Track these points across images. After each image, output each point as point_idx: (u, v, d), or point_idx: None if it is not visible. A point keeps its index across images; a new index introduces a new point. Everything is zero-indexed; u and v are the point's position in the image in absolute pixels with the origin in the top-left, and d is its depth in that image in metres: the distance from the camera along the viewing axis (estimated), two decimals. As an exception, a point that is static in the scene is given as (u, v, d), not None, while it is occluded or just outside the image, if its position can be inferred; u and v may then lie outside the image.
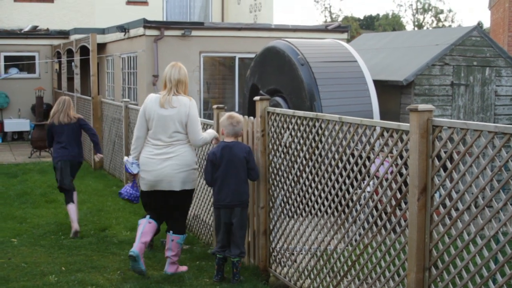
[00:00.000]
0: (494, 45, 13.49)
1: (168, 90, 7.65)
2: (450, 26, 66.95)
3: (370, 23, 73.80)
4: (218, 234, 7.54)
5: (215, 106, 8.96)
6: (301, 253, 6.91)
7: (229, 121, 7.53)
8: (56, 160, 10.24)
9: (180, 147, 7.58)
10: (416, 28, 68.77)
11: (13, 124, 24.16)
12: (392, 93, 13.00)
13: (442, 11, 72.13)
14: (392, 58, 14.07)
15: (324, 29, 19.74)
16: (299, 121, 6.76)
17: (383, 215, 5.47)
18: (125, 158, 7.97)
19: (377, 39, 16.39)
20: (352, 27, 55.85)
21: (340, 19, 71.56)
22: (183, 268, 8.00)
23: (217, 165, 7.43)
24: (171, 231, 7.88)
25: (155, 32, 18.23)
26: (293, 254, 7.12)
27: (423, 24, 71.95)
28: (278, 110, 7.32)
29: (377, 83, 12.40)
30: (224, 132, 7.56)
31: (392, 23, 71.00)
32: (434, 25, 71.52)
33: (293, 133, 6.90)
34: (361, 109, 11.38)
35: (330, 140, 6.22)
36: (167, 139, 7.56)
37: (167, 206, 7.85)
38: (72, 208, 10.12)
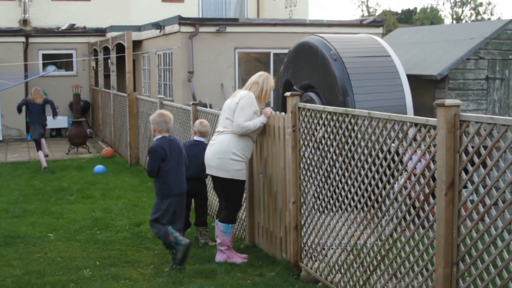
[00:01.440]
0: (530, 38, 13.33)
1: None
2: (489, 19, 66.16)
3: (408, 17, 73.18)
4: (172, 223, 7.93)
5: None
6: (332, 248, 6.94)
7: (162, 118, 7.94)
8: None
9: (224, 135, 8.07)
10: (454, 22, 68.08)
11: (51, 121, 24.43)
12: (426, 88, 12.93)
13: (481, 4, 71.28)
14: (426, 52, 13.99)
15: (359, 24, 19.68)
16: (329, 117, 6.78)
17: (412, 210, 5.47)
18: None
19: (411, 34, 16.30)
20: (389, 21, 55.57)
21: (377, 13, 71.11)
22: (236, 259, 8.13)
23: (165, 158, 7.83)
24: (218, 218, 8.30)
25: (190, 29, 18.35)
26: (324, 248, 7.14)
27: (461, 17, 71.20)
28: (308, 105, 7.35)
29: (411, 77, 12.34)
30: (156, 128, 7.94)
31: (430, 17, 70.34)
32: (473, 18, 70.72)
33: (323, 128, 6.92)
34: (395, 104, 11.33)
35: (359, 135, 6.23)
36: (222, 126, 8.17)
37: (218, 191, 8.44)
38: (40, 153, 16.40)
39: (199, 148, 8.86)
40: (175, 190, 7.93)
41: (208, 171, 8.30)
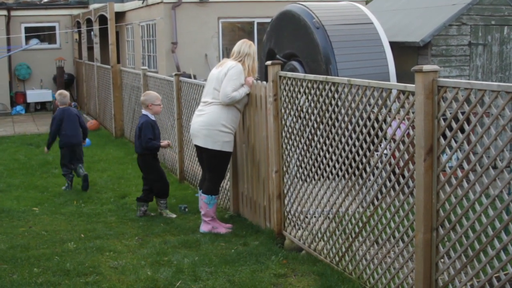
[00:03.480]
0: (512, 3, 13.30)
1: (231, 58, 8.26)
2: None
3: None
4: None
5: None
6: (315, 216, 6.96)
7: (60, 96, 11.70)
8: None
9: (212, 107, 8.06)
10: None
11: (35, 95, 24.37)
12: (409, 55, 12.90)
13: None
14: (409, 19, 13.94)
15: (342, -9, 19.58)
16: (310, 85, 6.77)
17: (392, 177, 5.50)
18: None
19: (394, 1, 16.23)
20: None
21: (362, -19, 70.77)
22: (221, 229, 8.19)
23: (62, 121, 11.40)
24: (201, 189, 8.28)
25: (172, -1, 18.23)
26: (307, 217, 7.17)
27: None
28: (289, 74, 7.33)
29: (393, 44, 12.30)
30: (58, 103, 11.73)
31: (415, -16, 70.03)
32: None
33: (304, 97, 6.91)
34: (378, 71, 11.30)
35: (340, 103, 6.23)
36: (208, 96, 8.14)
37: (203, 162, 8.41)
38: None
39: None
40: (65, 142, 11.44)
41: (194, 142, 8.30)
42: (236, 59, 8.11)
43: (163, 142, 9.45)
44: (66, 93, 11.94)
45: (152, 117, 9.22)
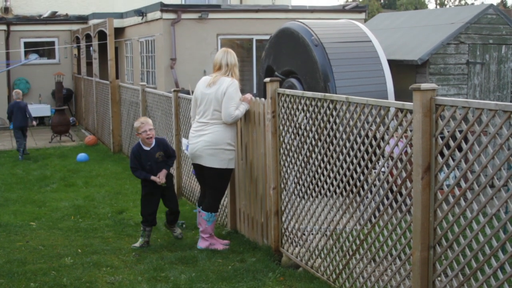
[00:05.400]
0: (510, 22, 13.37)
1: (220, 72, 8.13)
2: (473, 3, 66.24)
3: (392, 3, 73.08)
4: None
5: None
6: (312, 233, 6.96)
7: (16, 93, 15.99)
8: None
9: (214, 126, 7.99)
10: (438, 7, 68.07)
11: (34, 110, 24.26)
12: (407, 73, 12.97)
13: (464, -11, 71.33)
14: (407, 37, 14.02)
15: (341, 10, 19.68)
16: (308, 102, 6.79)
17: (390, 195, 5.51)
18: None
19: (392, 19, 16.31)
20: (373, 7, 55.52)
21: (361, -1, 71.00)
22: (218, 246, 8.16)
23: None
24: (201, 206, 8.25)
25: (172, 16, 18.29)
26: (304, 234, 7.17)
27: (445, 2, 71.21)
28: (288, 91, 7.35)
29: (392, 62, 12.37)
30: (14, 97, 15.69)
31: (414, 2, 70.29)
32: (456, 3, 70.78)
33: (303, 114, 6.93)
34: (376, 89, 11.36)
35: (338, 120, 6.25)
36: (209, 116, 8.04)
37: (205, 180, 8.29)
38: None
39: None
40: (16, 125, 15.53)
41: (197, 162, 8.17)
42: (227, 73, 8.08)
43: (154, 177, 8.40)
44: (19, 91, 17.43)
45: (144, 146, 8.48)
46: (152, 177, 8.39)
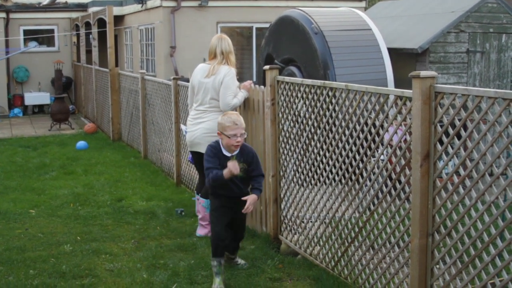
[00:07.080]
0: (511, 11, 13.34)
1: (215, 60, 8.07)
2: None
3: (392, -9, 72.90)
4: None
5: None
6: (311, 221, 6.97)
7: None
8: None
9: (213, 114, 7.95)
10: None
11: (33, 98, 24.31)
12: (407, 61, 12.95)
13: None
14: (407, 25, 13.99)
15: (342, -3, 19.63)
16: (307, 90, 6.79)
17: (389, 182, 5.51)
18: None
19: (393, 7, 16.28)
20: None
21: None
22: None
23: None
24: (200, 193, 8.25)
25: (172, 3, 18.25)
26: (303, 221, 7.18)
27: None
28: (287, 78, 7.34)
29: (392, 51, 12.35)
30: None
31: (414, -9, 70.09)
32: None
33: (302, 101, 6.93)
34: (375, 77, 11.34)
35: (337, 108, 6.24)
36: (206, 105, 8.03)
37: (202, 167, 8.12)
38: None
39: None
40: None
41: (195, 149, 8.13)
42: (223, 61, 8.04)
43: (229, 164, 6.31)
44: None
45: (225, 150, 6.48)
46: (227, 168, 6.24)
